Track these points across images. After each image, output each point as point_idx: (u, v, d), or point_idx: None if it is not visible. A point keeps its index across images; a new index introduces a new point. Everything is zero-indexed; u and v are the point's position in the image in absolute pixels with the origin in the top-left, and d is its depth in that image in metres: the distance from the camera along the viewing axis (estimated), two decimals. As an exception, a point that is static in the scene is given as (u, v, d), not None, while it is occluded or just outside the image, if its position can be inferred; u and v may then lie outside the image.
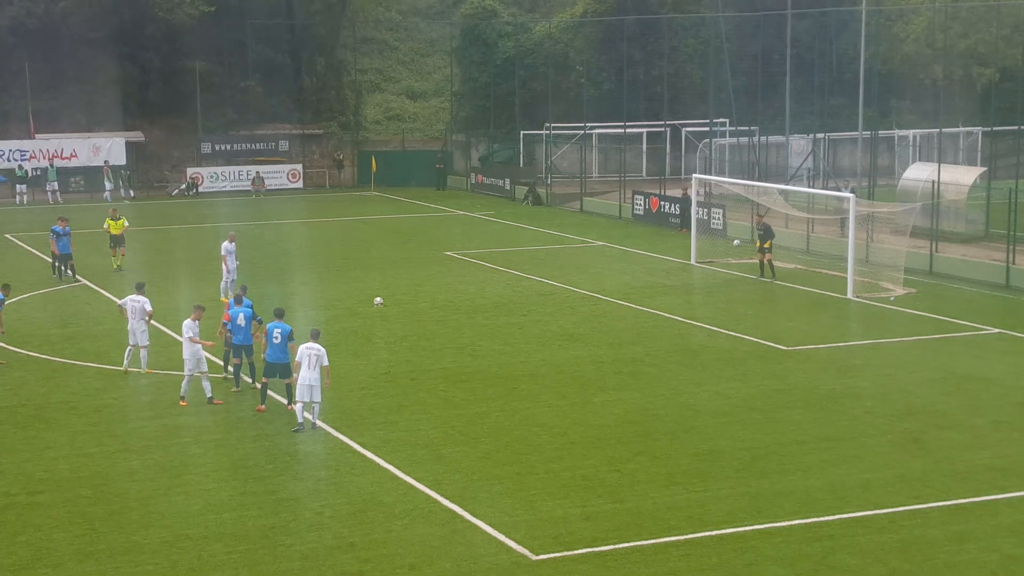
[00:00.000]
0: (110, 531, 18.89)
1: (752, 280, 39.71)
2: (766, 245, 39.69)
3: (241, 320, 25.95)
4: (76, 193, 63.76)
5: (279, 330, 24.84)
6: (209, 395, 25.74)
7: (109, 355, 29.67)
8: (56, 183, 62.53)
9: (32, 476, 21.39)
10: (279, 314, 25.45)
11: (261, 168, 66.78)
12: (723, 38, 58.48)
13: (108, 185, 62.84)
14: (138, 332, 27.98)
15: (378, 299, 35.64)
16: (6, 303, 29.93)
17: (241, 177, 66.35)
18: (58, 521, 19.30)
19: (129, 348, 28.19)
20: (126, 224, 42.64)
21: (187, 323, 25.73)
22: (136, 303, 28.04)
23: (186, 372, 25.73)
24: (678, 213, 51.30)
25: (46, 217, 54.49)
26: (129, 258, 42.84)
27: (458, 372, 28.21)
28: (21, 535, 18.78)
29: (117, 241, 42.13)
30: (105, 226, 42.28)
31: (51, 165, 62.74)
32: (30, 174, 62.49)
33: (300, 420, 23.73)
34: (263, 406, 25.18)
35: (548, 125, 65.46)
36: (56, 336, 31.86)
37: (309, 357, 23.58)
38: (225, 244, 36.31)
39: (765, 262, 39.77)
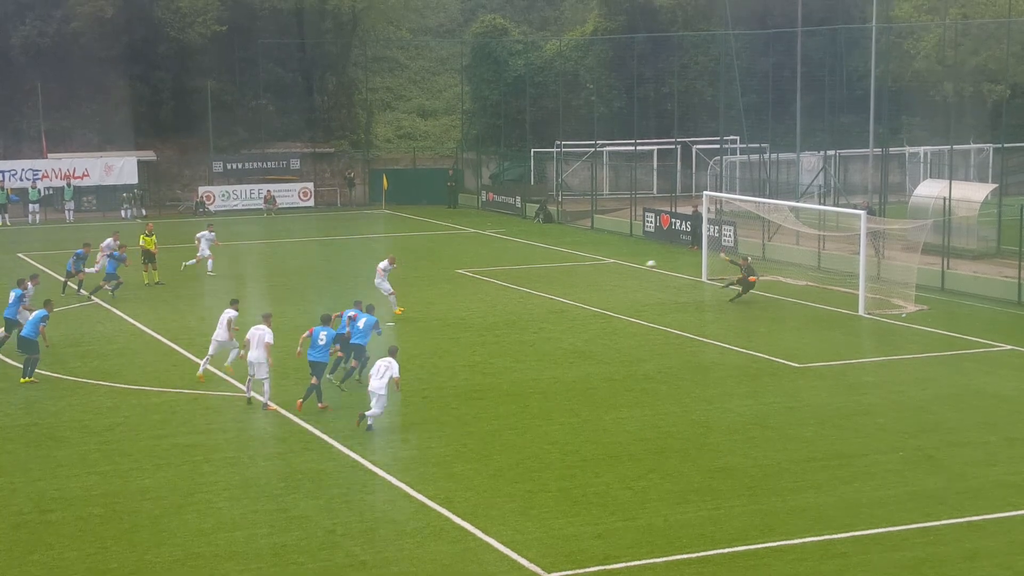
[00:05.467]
0: (122, 550, 18.90)
1: (763, 297, 39.56)
2: (751, 279, 38.58)
3: (360, 324, 27.90)
4: (88, 212, 63.98)
5: (324, 333, 26.28)
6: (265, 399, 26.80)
7: (121, 374, 29.75)
8: (72, 203, 62.75)
9: (44, 494, 21.40)
10: (325, 320, 26.95)
11: (273, 187, 66.90)
12: (733, 55, 58.52)
13: (126, 210, 63.17)
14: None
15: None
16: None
17: (252, 196, 66.47)
18: (70, 540, 19.32)
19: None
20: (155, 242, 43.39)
21: (267, 330, 26.38)
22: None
23: (252, 376, 26.82)
24: (689, 230, 51.27)
25: (58, 236, 54.74)
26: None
27: (470, 390, 28.20)
28: (33, 554, 18.79)
29: (149, 257, 42.68)
30: (141, 242, 42.80)
31: (68, 185, 62.90)
32: (42, 193, 62.68)
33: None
34: (323, 403, 26.21)
35: (559, 143, 65.54)
36: (68, 355, 31.88)
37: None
38: (383, 264, 36.82)
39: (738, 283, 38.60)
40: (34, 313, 29.62)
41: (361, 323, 27.87)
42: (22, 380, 28.75)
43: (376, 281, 36.84)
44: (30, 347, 28.94)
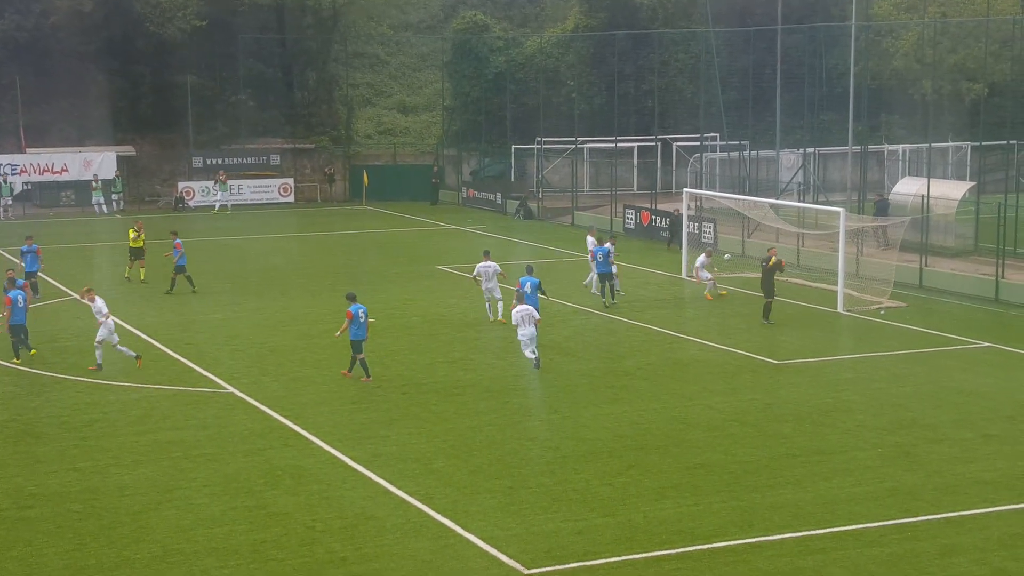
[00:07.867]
0: (101, 546, 18.86)
1: (743, 294, 39.72)
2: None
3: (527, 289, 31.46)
4: (67, 207, 63.69)
5: (363, 310, 28.29)
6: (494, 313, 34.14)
7: (100, 370, 29.63)
8: (10, 199, 61.64)
9: (22, 491, 21.35)
10: (351, 297, 28.74)
11: (252, 183, 66.76)
12: (714, 53, 58.65)
13: (96, 198, 62.53)
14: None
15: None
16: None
17: (232, 192, 66.17)
18: (48, 536, 19.27)
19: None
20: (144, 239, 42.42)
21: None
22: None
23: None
24: (667, 227, 51.35)
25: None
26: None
27: (450, 386, 28.22)
28: (11, 550, 18.75)
29: (136, 254, 42.01)
30: (133, 236, 42.05)
31: (4, 181, 61.79)
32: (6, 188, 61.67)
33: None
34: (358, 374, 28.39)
35: (539, 139, 65.59)
36: (46, 350, 31.75)
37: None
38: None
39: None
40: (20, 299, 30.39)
41: (527, 287, 31.37)
42: (32, 352, 30.64)
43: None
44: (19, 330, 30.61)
